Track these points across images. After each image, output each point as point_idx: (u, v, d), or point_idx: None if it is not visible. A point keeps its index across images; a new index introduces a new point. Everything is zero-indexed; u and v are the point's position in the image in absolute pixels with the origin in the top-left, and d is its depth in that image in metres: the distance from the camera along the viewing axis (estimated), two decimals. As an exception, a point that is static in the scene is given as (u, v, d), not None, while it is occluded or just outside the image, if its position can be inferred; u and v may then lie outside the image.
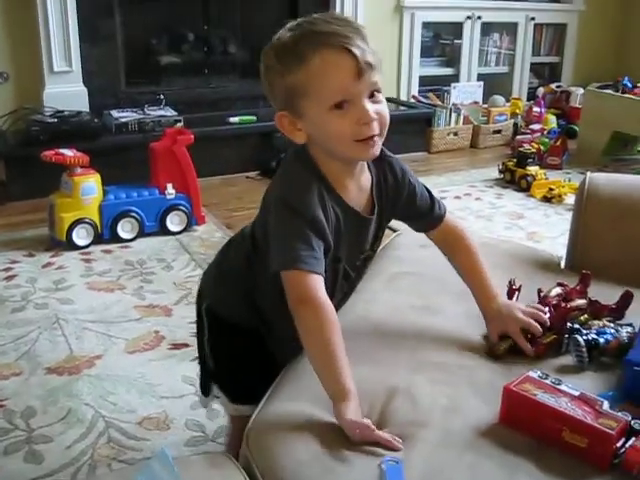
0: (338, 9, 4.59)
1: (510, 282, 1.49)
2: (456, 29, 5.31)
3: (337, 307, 1.29)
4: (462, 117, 4.92)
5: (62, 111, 3.82)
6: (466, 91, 5.17)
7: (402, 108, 4.86)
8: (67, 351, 2.28)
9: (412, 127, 4.73)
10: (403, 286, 1.58)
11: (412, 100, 5.05)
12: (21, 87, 4.00)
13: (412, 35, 5.06)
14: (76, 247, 3.06)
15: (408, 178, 1.39)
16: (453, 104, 4.96)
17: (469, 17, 5.24)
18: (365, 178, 1.32)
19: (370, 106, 1.18)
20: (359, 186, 1.31)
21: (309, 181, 1.23)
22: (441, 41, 5.47)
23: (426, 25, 5.18)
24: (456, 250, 1.46)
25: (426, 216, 1.44)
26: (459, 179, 4.25)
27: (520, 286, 1.48)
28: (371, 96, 1.19)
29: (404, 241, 1.83)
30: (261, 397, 1.23)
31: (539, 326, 1.34)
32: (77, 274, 2.86)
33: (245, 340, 1.41)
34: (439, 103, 4.99)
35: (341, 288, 1.39)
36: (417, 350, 1.34)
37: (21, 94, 3.99)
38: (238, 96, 4.50)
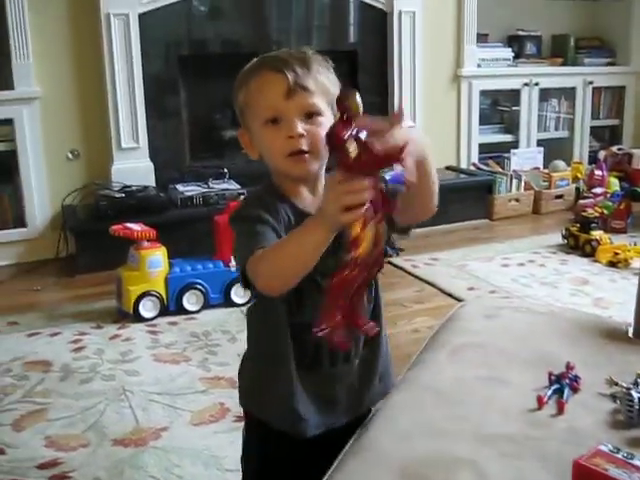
0: (396, 80, 4.67)
1: (568, 364, 1.47)
2: (514, 96, 5.33)
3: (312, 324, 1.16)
4: (523, 183, 4.91)
5: (129, 186, 3.95)
6: (526, 157, 5.17)
7: (462, 176, 4.88)
8: (133, 423, 2.31)
9: (473, 195, 4.74)
10: (468, 357, 1.57)
11: (472, 168, 5.07)
12: (91, 163, 4.16)
13: (470, 103, 5.10)
14: (143, 319, 3.12)
15: None
16: (513, 170, 4.96)
17: (526, 84, 5.27)
18: (322, 185, 1.32)
19: (300, 124, 1.26)
20: (315, 192, 1.33)
21: (258, 194, 1.35)
22: (499, 108, 5.50)
23: (484, 93, 5.23)
24: None
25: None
26: (522, 246, 4.22)
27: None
28: (309, 117, 1.27)
29: (468, 312, 1.82)
30: None
31: None
32: (143, 346, 2.91)
33: (275, 444, 1.39)
34: (499, 170, 4.99)
35: (313, 303, 1.21)
36: (483, 422, 1.32)
37: (91, 170, 4.15)
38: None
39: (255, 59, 1.35)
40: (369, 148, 1.01)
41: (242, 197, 1.36)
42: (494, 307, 1.89)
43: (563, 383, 1.44)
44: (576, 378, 1.46)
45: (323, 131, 1.18)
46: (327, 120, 1.26)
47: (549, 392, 1.42)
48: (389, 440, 1.27)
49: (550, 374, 1.46)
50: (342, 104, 1.04)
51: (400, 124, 1.06)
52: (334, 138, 1.02)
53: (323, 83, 1.29)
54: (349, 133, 1.01)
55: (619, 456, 1.11)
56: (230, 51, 4.35)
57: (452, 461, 1.18)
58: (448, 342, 1.65)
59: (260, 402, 1.41)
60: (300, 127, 1.25)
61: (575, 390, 1.44)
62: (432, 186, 1.30)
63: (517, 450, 1.23)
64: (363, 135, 1.02)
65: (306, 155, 1.27)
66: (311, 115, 1.27)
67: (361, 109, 1.04)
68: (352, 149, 1.00)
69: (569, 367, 1.47)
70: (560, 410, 1.37)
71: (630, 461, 1.10)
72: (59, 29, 3.96)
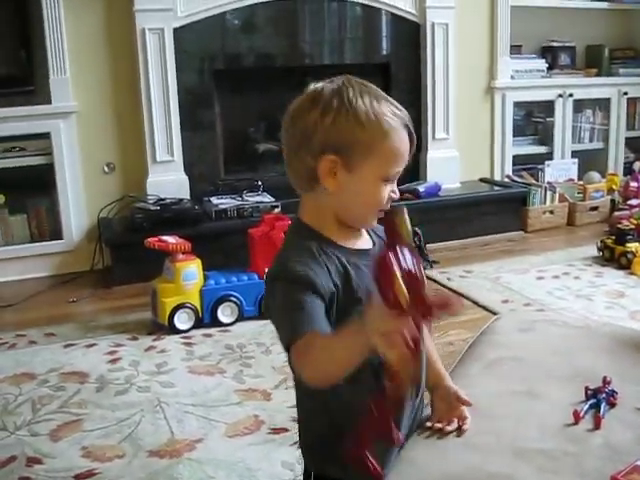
0: (429, 91, 4.67)
1: (604, 379, 1.46)
2: (548, 107, 5.30)
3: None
4: (557, 195, 4.88)
5: (164, 199, 3.98)
6: (560, 168, 5.14)
7: (496, 188, 4.85)
8: (168, 434, 2.32)
9: (507, 207, 4.71)
10: (503, 371, 1.56)
11: (506, 180, 5.04)
12: (126, 176, 4.21)
13: (504, 115, 5.08)
14: (177, 331, 3.14)
15: None
16: (548, 182, 4.92)
17: (560, 95, 5.23)
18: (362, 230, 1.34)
19: None
20: (356, 235, 1.32)
21: (301, 244, 1.24)
22: (533, 119, 5.46)
23: (517, 104, 5.20)
24: None
25: None
26: (557, 258, 4.18)
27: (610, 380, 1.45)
28: None
29: (503, 325, 1.82)
30: None
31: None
32: (178, 358, 2.93)
33: None
34: (534, 182, 4.96)
35: None
36: (519, 436, 1.31)
37: (126, 183, 4.19)
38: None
39: (361, 90, 1.24)
40: (422, 297, 0.98)
41: (282, 249, 1.28)
42: (529, 320, 1.88)
43: (600, 398, 1.43)
44: (613, 393, 1.45)
45: None
46: None
47: (585, 407, 1.41)
48: (426, 455, 1.27)
49: (587, 389, 1.45)
50: (393, 229, 1.04)
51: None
52: (385, 270, 0.99)
53: None
54: (397, 264, 0.99)
55: (657, 472, 1.10)
56: (264, 65, 4.38)
57: (488, 476, 1.18)
58: (483, 356, 1.64)
59: (331, 456, 1.29)
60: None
61: (612, 405, 1.43)
62: None
63: (554, 465, 1.22)
64: (408, 261, 1.00)
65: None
66: None
67: (410, 234, 1.03)
68: (405, 293, 0.97)
69: (606, 382, 1.46)
70: (597, 425, 1.36)
71: (669, 478, 1.09)
72: (95, 44, 4.02)
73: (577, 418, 1.38)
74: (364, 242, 1.33)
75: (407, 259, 1.00)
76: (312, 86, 1.29)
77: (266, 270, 1.31)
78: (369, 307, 1.04)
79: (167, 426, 2.38)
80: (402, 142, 1.25)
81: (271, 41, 4.36)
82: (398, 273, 0.98)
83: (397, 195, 1.28)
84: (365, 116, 1.21)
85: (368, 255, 1.29)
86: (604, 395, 1.44)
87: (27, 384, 2.73)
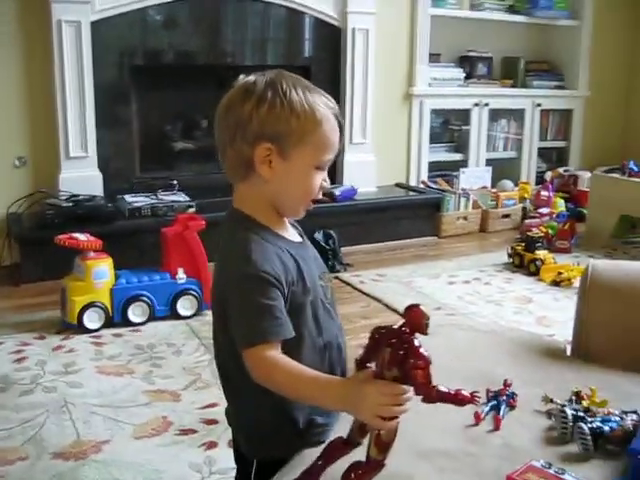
0: (348, 96, 4.70)
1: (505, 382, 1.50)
2: (464, 116, 5.41)
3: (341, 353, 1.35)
4: (471, 202, 4.98)
5: (77, 195, 3.89)
6: (475, 176, 5.25)
7: (412, 193, 4.92)
8: (74, 436, 2.27)
9: (422, 212, 4.79)
10: (408, 373, 1.59)
11: (421, 185, 5.11)
12: (38, 171, 4.10)
13: (421, 122, 5.15)
14: (87, 330, 3.08)
15: None
16: (462, 189, 5.02)
17: (477, 104, 5.34)
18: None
19: None
20: (286, 225, 1.37)
21: (258, 239, 1.26)
22: (450, 127, 5.56)
23: (435, 112, 5.29)
24: None
25: None
26: (468, 263, 4.27)
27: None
28: None
29: (410, 327, 1.84)
30: None
31: None
32: (87, 357, 2.87)
33: None
34: (448, 188, 5.05)
35: (327, 324, 1.33)
36: (421, 437, 1.34)
37: (38, 178, 4.08)
38: (250, 181, 4.56)
39: (292, 81, 1.28)
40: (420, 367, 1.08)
41: (241, 243, 1.26)
42: (435, 324, 1.91)
43: (500, 400, 1.47)
44: (513, 395, 1.49)
45: None
46: None
47: (486, 409, 1.44)
48: (327, 455, 1.27)
49: (488, 391, 1.49)
50: (418, 322, 1.11)
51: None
52: (415, 352, 1.08)
53: None
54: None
55: (551, 471, 1.14)
56: (183, 62, 4.34)
57: (389, 476, 1.19)
58: (390, 358, 1.66)
59: (276, 439, 1.33)
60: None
61: (512, 407, 1.47)
62: None
63: (454, 465, 1.25)
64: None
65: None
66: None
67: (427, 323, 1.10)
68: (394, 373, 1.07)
69: (506, 384, 1.51)
70: (497, 426, 1.40)
71: (561, 476, 1.13)
72: (7, 33, 3.90)
73: (478, 419, 1.42)
74: (293, 234, 1.37)
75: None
76: (243, 78, 1.31)
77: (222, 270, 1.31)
78: (367, 383, 1.09)
79: (73, 427, 2.33)
80: (333, 131, 1.29)
81: (192, 39, 4.33)
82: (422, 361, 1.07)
83: (328, 183, 1.33)
84: (299, 106, 1.25)
85: (306, 247, 1.37)
86: (504, 397, 1.48)
87: None
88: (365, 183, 4.75)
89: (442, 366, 1.60)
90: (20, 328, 3.16)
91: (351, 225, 4.43)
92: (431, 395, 1.09)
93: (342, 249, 4.17)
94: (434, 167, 5.29)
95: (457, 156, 5.45)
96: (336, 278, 3.92)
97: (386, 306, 3.48)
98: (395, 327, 1.10)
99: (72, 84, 3.95)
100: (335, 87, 4.71)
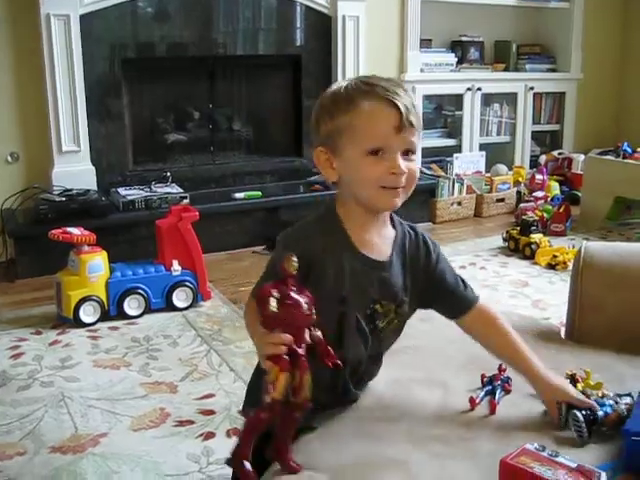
0: (340, 84, 4.69)
1: (500, 366, 1.51)
2: (457, 101, 5.40)
3: (357, 371, 1.37)
4: (465, 187, 4.97)
5: (70, 190, 3.89)
6: (468, 161, 5.24)
7: (405, 179, 4.90)
8: (72, 429, 2.28)
9: (416, 198, 4.75)
10: (404, 360, 1.59)
11: (415, 171, 5.10)
12: (31, 166, 4.09)
13: (414, 108, 5.14)
14: (83, 324, 3.08)
15: (433, 248, 1.44)
16: (456, 174, 5.02)
17: (469, 89, 5.34)
18: (388, 231, 1.38)
19: (402, 161, 1.27)
20: (379, 235, 1.36)
21: (308, 228, 1.34)
22: (443, 112, 5.56)
23: (427, 97, 5.29)
24: (490, 332, 1.46)
25: (457, 296, 1.45)
26: (464, 248, 4.27)
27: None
28: (405, 153, 1.28)
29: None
30: None
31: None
32: (83, 351, 2.87)
33: None
34: (442, 174, 5.04)
35: (354, 342, 1.34)
36: (417, 423, 1.34)
37: (31, 173, 4.08)
38: (243, 172, 4.58)
39: (350, 80, 1.32)
40: (289, 307, 1.13)
41: (304, 221, 1.36)
42: (429, 310, 1.92)
43: (495, 385, 1.47)
44: (508, 380, 1.49)
45: (415, 166, 1.30)
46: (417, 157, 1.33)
47: (482, 394, 1.45)
48: (321, 445, 1.28)
49: (483, 376, 1.49)
50: (280, 266, 1.15)
51: None
52: (260, 293, 1.14)
53: (420, 118, 1.31)
54: (276, 290, 1.13)
55: (544, 454, 1.14)
56: (174, 54, 4.32)
57: (384, 463, 1.20)
58: (384, 345, 1.66)
59: None
60: (403, 164, 1.27)
61: (507, 391, 1.48)
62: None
63: (449, 451, 1.25)
64: (292, 293, 1.15)
65: (400, 190, 1.29)
66: (408, 152, 1.29)
67: (294, 267, 1.15)
68: (274, 304, 1.12)
69: (501, 369, 1.51)
70: (492, 411, 1.40)
71: (555, 459, 1.13)
72: (-3, 29, 3.90)
73: (473, 404, 1.42)
74: (377, 251, 1.35)
75: (290, 292, 1.14)
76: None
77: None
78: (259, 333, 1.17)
79: (71, 421, 2.33)
80: (371, 116, 1.26)
81: (183, 30, 4.30)
82: (274, 302, 1.12)
83: (399, 169, 1.26)
84: (333, 103, 1.30)
85: (375, 268, 1.34)
86: (499, 382, 1.48)
87: None
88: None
89: (437, 352, 1.62)
90: (16, 324, 3.16)
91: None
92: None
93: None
94: (427, 153, 5.28)
95: (450, 141, 5.45)
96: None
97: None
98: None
99: (62, 78, 3.94)
100: (327, 75, 4.71)
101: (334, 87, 1.32)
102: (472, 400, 1.43)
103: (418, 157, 1.38)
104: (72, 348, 2.91)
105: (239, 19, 4.46)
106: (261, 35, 4.59)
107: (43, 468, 2.07)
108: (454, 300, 1.45)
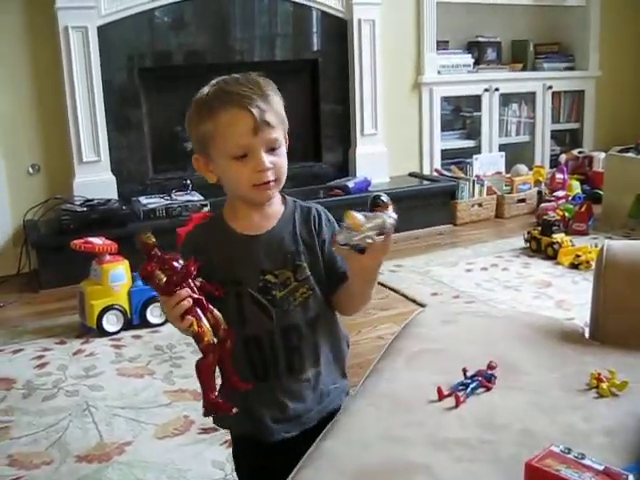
0: (357, 87, 4.70)
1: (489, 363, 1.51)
2: (475, 102, 5.38)
3: (273, 345, 1.38)
4: (485, 188, 4.95)
5: (92, 200, 3.92)
6: (488, 162, 5.21)
7: (425, 182, 4.91)
8: (97, 438, 2.29)
9: (436, 200, 4.78)
10: (425, 363, 1.58)
11: (435, 174, 5.10)
12: (52, 178, 4.13)
13: (432, 110, 5.14)
14: (106, 333, 3.10)
15: (325, 222, 1.45)
16: (476, 176, 4.99)
17: (487, 90, 5.31)
18: (273, 209, 1.42)
19: (266, 158, 1.33)
20: (261, 214, 1.41)
21: (201, 227, 1.48)
22: (461, 114, 5.54)
23: (445, 99, 5.27)
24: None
25: (335, 269, 1.42)
26: (485, 250, 4.25)
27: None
28: (271, 150, 1.34)
29: (426, 318, 1.84)
30: None
31: None
32: (107, 360, 2.89)
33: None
34: (462, 175, 5.02)
35: (253, 316, 1.38)
36: (439, 427, 1.33)
37: (52, 184, 4.11)
38: (263, 177, 4.57)
39: (213, 84, 1.37)
40: (172, 268, 1.24)
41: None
42: (452, 312, 1.91)
43: (473, 380, 1.46)
44: (491, 377, 1.48)
45: (284, 161, 1.37)
46: (284, 144, 1.38)
47: (453, 385, 1.44)
48: (344, 448, 1.28)
49: (465, 370, 1.48)
50: (141, 244, 1.26)
51: None
52: (145, 274, 1.25)
53: (280, 113, 1.37)
54: (154, 264, 1.24)
55: (570, 456, 1.13)
56: (193, 62, 4.34)
57: (406, 467, 1.20)
58: (405, 349, 1.66)
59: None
60: (267, 161, 1.33)
61: (487, 388, 1.47)
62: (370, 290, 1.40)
63: (471, 454, 1.25)
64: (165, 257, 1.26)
65: (271, 184, 1.35)
66: (274, 148, 1.35)
67: (153, 240, 1.26)
68: (161, 276, 1.24)
69: (490, 366, 1.50)
70: (456, 404, 1.40)
71: (581, 461, 1.11)
72: (16, 43, 3.92)
73: (441, 395, 1.42)
74: (267, 215, 1.41)
75: (163, 257, 1.26)
76: None
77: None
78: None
79: (96, 430, 2.34)
80: (231, 119, 1.31)
81: (200, 38, 4.33)
82: (160, 274, 1.24)
83: (264, 166, 1.32)
84: (197, 111, 1.36)
85: (259, 241, 1.39)
86: (479, 378, 1.47)
87: (-49, 392, 2.67)
88: (378, 174, 4.74)
89: (457, 354, 1.61)
90: (41, 334, 3.18)
91: (366, 217, 4.41)
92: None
93: (358, 241, 4.15)
94: (447, 155, 5.28)
95: (470, 143, 5.43)
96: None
97: (404, 296, 3.47)
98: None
99: (81, 89, 3.97)
100: (344, 79, 4.73)
101: (198, 94, 1.38)
102: (439, 390, 1.43)
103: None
104: (96, 357, 2.93)
105: (255, 25, 4.48)
106: (278, 41, 4.60)
107: (69, 477, 2.09)
108: (332, 272, 1.43)
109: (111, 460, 2.15)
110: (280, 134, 1.36)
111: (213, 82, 1.38)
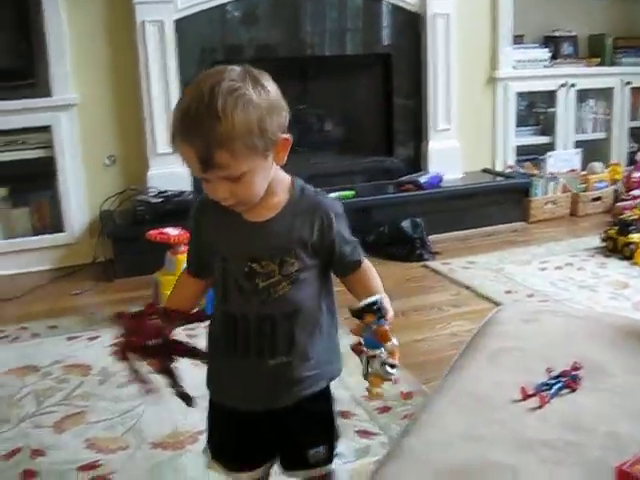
0: (430, 82, 4.65)
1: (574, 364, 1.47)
2: (550, 97, 5.28)
3: (248, 327, 1.39)
4: (560, 186, 4.87)
5: (166, 191, 3.97)
6: (563, 159, 5.11)
7: (499, 179, 4.84)
8: (172, 426, 2.32)
9: (509, 197, 4.71)
10: (506, 362, 1.56)
11: (508, 170, 5.03)
12: (127, 169, 4.20)
13: (506, 105, 5.06)
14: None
15: (328, 215, 1.39)
16: (550, 173, 4.91)
17: (563, 85, 5.21)
18: (276, 198, 1.36)
19: (223, 188, 1.25)
20: (263, 204, 1.34)
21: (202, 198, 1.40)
22: (535, 110, 5.44)
23: (520, 95, 5.19)
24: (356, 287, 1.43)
25: (344, 261, 1.42)
26: (559, 249, 4.17)
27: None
28: (234, 179, 1.24)
29: (506, 316, 1.81)
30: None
31: None
32: (181, 350, 2.92)
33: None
34: (536, 172, 4.94)
35: (235, 297, 1.39)
36: (522, 427, 1.31)
37: (127, 176, 4.19)
38: (336, 172, 4.59)
39: (184, 92, 1.32)
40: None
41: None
42: (532, 311, 1.88)
43: (558, 380, 1.43)
44: (576, 378, 1.45)
45: (249, 188, 1.27)
46: (257, 166, 1.26)
47: (537, 385, 1.41)
48: (427, 445, 1.27)
49: (549, 370, 1.45)
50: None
51: None
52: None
53: (247, 139, 1.21)
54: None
55: (663, 462, 1.10)
56: (264, 56, 4.36)
57: (490, 467, 1.18)
58: (486, 347, 1.64)
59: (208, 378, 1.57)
60: (223, 192, 1.26)
61: (572, 389, 1.43)
62: None
63: (557, 456, 1.22)
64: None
65: (236, 205, 1.31)
66: (235, 178, 1.24)
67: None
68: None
69: (574, 367, 1.47)
70: (541, 404, 1.37)
71: (674, 467, 1.08)
72: (95, 36, 4.01)
73: (524, 395, 1.40)
74: (267, 204, 1.35)
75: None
76: None
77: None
78: None
79: (170, 418, 2.37)
80: (181, 150, 1.24)
81: (271, 32, 4.35)
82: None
83: (216, 197, 1.28)
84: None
85: (255, 229, 1.36)
86: (565, 378, 1.44)
87: (30, 376, 2.73)
88: (451, 170, 4.70)
89: (540, 354, 1.58)
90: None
91: (438, 213, 4.39)
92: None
93: (430, 237, 4.13)
94: (521, 151, 5.19)
95: (544, 139, 5.32)
96: (424, 266, 3.89)
97: (477, 294, 3.43)
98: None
99: (157, 82, 4.04)
100: (417, 74, 4.69)
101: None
102: (523, 390, 1.40)
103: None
104: (169, 346, 2.96)
105: (326, 20, 4.48)
106: (348, 35, 4.60)
107: (145, 463, 2.12)
108: (341, 263, 1.42)
109: (185, 448, 2.18)
110: (242, 165, 1.22)
111: (188, 87, 1.29)
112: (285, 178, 1.39)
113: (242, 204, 1.31)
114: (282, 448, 1.49)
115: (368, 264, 1.45)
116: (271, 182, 1.33)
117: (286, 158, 1.33)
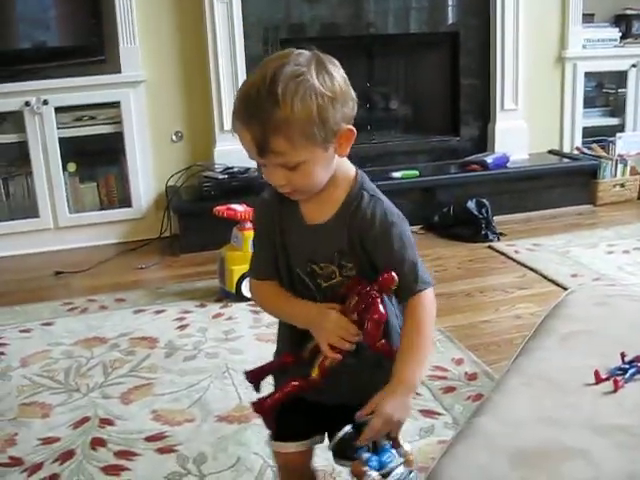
0: (498, 61, 4.58)
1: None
2: (620, 78, 5.15)
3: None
4: (629, 168, 4.76)
5: (232, 167, 4.00)
6: (632, 141, 4.98)
7: (566, 160, 4.75)
8: (237, 400, 2.35)
9: (576, 180, 4.63)
10: (578, 345, 1.54)
11: (576, 152, 4.93)
12: (194, 145, 4.25)
13: (574, 86, 4.96)
14: (245, 299, 3.15)
15: (379, 222, 1.30)
16: (619, 155, 4.80)
17: (634, 65, 5.07)
18: (333, 196, 1.31)
19: (280, 175, 1.23)
20: (319, 200, 1.31)
21: (261, 199, 1.42)
22: (604, 90, 5.32)
23: (588, 75, 5.07)
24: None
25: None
26: (627, 232, 4.08)
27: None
28: (290, 167, 1.22)
29: (577, 299, 1.79)
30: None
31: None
32: (246, 325, 2.96)
33: None
34: (604, 154, 4.83)
35: (300, 293, 1.38)
36: (596, 411, 1.30)
37: (194, 151, 4.24)
38: (400, 151, 4.58)
39: (249, 75, 1.28)
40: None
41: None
42: (603, 295, 1.85)
43: (633, 365, 1.41)
44: None
45: (306, 177, 1.24)
46: (316, 156, 1.22)
47: (611, 369, 1.39)
48: (498, 426, 1.26)
49: (623, 354, 1.43)
50: (387, 285, 1.27)
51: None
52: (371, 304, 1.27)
53: (305, 129, 1.18)
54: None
55: None
56: (328, 34, 4.33)
57: (564, 450, 1.17)
58: (557, 329, 1.62)
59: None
60: (280, 179, 1.24)
61: None
62: None
63: (634, 442, 1.20)
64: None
65: (292, 193, 1.28)
66: (291, 167, 1.22)
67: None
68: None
69: None
70: (615, 388, 1.35)
71: None
72: (164, 14, 4.04)
73: (598, 379, 1.38)
74: (324, 201, 1.31)
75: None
76: None
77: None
78: (333, 312, 1.29)
79: (235, 392, 2.41)
80: (239, 132, 1.21)
81: (336, 10, 4.31)
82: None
83: (272, 183, 1.26)
84: None
85: (314, 231, 1.34)
86: (639, 363, 1.42)
87: (98, 348, 2.80)
88: (517, 150, 4.63)
89: (614, 338, 1.56)
90: (181, 296, 3.30)
91: (504, 193, 4.35)
92: (375, 345, 1.27)
93: (495, 218, 4.09)
94: (588, 133, 5.08)
95: (613, 120, 5.20)
96: (489, 247, 3.86)
97: (542, 276, 3.39)
98: (368, 283, 1.27)
99: (224, 59, 4.06)
100: (485, 53, 4.62)
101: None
102: (596, 374, 1.37)
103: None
104: (235, 321, 3.00)
105: (390, -2, 4.42)
106: (413, 13, 4.53)
107: (210, 436, 2.15)
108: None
109: (250, 422, 2.20)
110: (300, 153, 1.19)
111: (254, 70, 1.25)
112: (349, 171, 1.33)
113: (299, 193, 1.28)
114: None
115: (426, 301, 1.30)
116: (334, 174, 1.29)
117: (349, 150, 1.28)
